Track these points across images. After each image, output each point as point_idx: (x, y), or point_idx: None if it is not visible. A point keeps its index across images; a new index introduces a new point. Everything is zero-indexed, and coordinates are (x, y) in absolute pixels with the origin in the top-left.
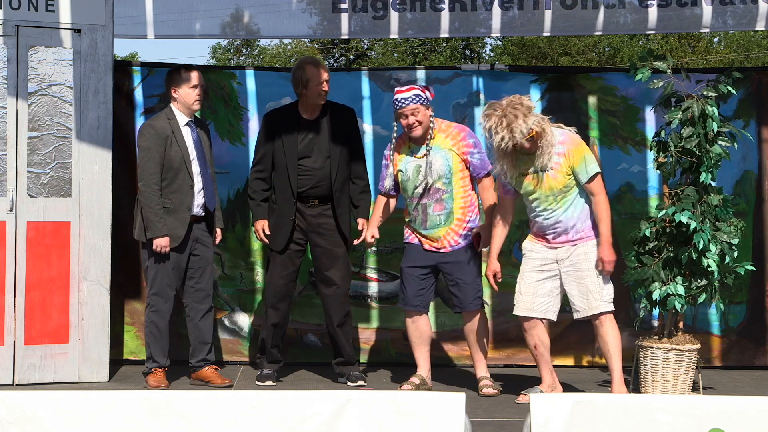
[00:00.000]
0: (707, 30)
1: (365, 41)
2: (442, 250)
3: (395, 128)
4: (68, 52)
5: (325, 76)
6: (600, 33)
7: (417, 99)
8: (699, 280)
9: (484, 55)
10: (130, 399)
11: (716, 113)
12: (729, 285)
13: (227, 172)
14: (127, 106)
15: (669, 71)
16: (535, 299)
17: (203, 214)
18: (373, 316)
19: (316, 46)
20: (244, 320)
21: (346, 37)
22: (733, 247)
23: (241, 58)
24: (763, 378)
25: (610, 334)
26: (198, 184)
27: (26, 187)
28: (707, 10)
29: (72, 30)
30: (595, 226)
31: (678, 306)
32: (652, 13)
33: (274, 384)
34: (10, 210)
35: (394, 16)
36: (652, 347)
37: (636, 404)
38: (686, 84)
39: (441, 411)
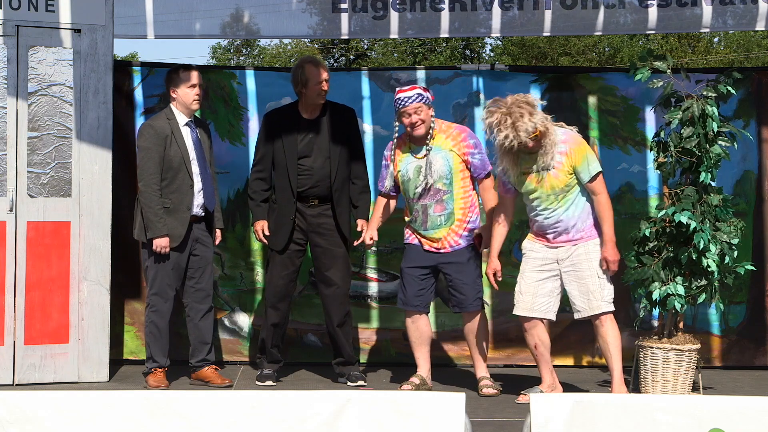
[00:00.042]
0: (707, 30)
1: (365, 41)
2: (442, 251)
3: (396, 128)
4: (68, 52)
5: (324, 75)
6: (600, 33)
7: (419, 98)
8: (699, 280)
9: (484, 55)
10: (130, 399)
11: (716, 113)
12: (729, 285)
13: (227, 172)
14: (127, 106)
15: (669, 71)
16: (535, 299)
17: (203, 214)
18: (373, 316)
19: (316, 46)
20: (244, 320)
21: (346, 37)
22: (733, 247)
23: (241, 58)
24: (763, 378)
25: (611, 334)
26: (198, 184)
27: (26, 187)
28: (707, 10)
29: (72, 30)
30: (595, 226)
31: (678, 306)
32: (652, 13)
33: (274, 384)
34: (10, 210)
35: (394, 16)
36: (652, 347)
37: (636, 404)
38: (686, 84)
39: (441, 411)
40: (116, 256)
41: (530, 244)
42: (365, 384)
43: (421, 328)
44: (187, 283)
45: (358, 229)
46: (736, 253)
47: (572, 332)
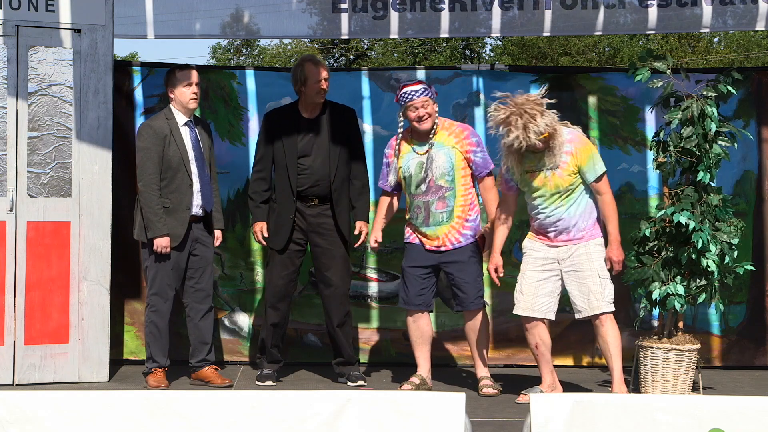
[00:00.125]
0: (707, 30)
1: (365, 41)
2: (442, 249)
3: (401, 123)
4: (68, 52)
5: (324, 74)
6: (600, 33)
7: (426, 92)
8: (699, 280)
9: (484, 55)
10: (130, 399)
11: (715, 113)
12: (729, 285)
13: (227, 172)
14: (127, 106)
15: (669, 71)
16: (536, 299)
17: (202, 214)
18: (373, 316)
19: (316, 46)
20: (244, 320)
21: (346, 37)
22: (733, 247)
23: (241, 58)
24: (763, 378)
25: (611, 334)
26: (196, 184)
27: (26, 187)
28: (707, 10)
29: (72, 30)
30: (597, 226)
31: (678, 306)
32: (652, 13)
33: (274, 384)
34: (10, 210)
35: (394, 16)
36: (652, 347)
37: (636, 404)
38: (686, 84)
39: (441, 411)
40: (116, 256)
41: (531, 243)
42: (365, 384)
43: (422, 327)
44: (187, 283)
45: (356, 232)
46: (736, 253)
47: (572, 332)
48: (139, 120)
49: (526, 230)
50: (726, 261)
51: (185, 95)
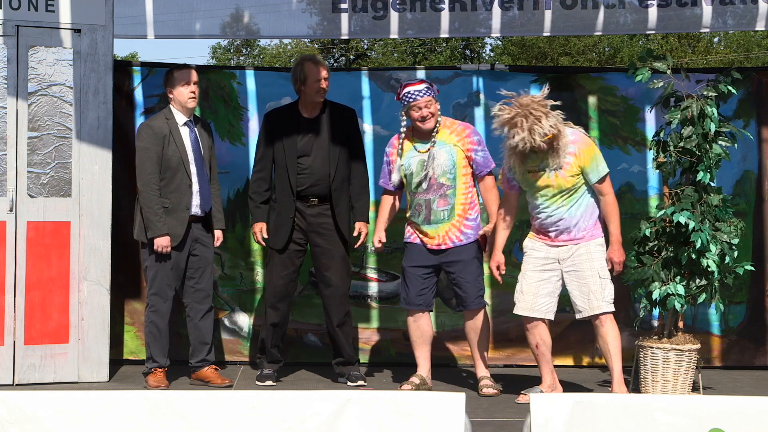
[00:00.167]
0: (707, 30)
1: (365, 41)
2: (443, 247)
3: (404, 122)
4: (68, 52)
5: (323, 73)
6: (600, 33)
7: (429, 91)
8: (699, 280)
9: (484, 55)
10: (130, 399)
11: (715, 113)
12: (729, 285)
13: (227, 172)
14: (127, 106)
15: (669, 71)
16: (536, 299)
17: (202, 214)
18: (373, 316)
19: (316, 46)
20: (244, 320)
21: (346, 37)
22: (733, 247)
23: (241, 58)
24: (763, 378)
25: (611, 334)
26: (196, 184)
27: (26, 187)
28: (707, 10)
29: (72, 30)
30: (598, 226)
31: (678, 306)
32: (652, 13)
33: (274, 384)
34: (10, 210)
35: (394, 16)
36: (652, 347)
37: (636, 404)
38: (686, 84)
39: (441, 411)
40: (116, 256)
41: (531, 243)
42: (365, 384)
43: (423, 327)
44: (187, 283)
45: (355, 234)
46: (736, 253)
47: (572, 332)
48: (139, 120)
49: (526, 230)
50: (726, 261)
51: (184, 95)
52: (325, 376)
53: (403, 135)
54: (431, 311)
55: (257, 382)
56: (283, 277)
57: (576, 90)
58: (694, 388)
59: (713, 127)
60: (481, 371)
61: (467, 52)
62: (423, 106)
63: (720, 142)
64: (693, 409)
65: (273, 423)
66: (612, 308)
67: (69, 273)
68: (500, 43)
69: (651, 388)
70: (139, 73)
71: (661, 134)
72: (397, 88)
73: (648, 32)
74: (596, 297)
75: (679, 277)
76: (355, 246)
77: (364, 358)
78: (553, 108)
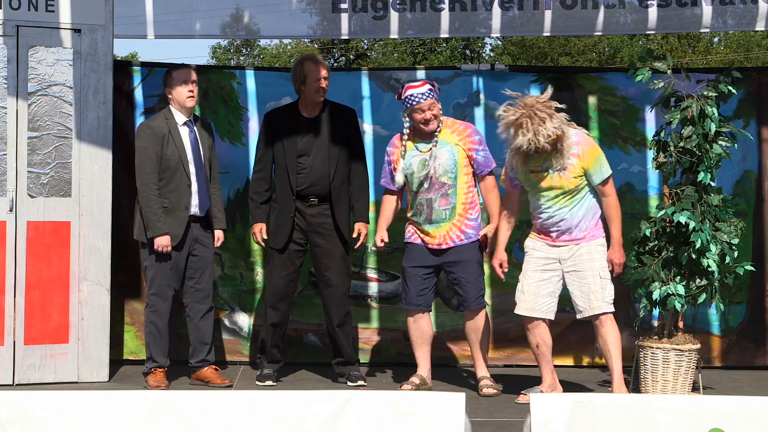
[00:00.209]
0: (707, 30)
1: (365, 41)
2: (444, 246)
3: (407, 123)
4: (68, 52)
5: (323, 72)
6: (600, 33)
7: (432, 93)
8: (699, 280)
9: (484, 55)
10: (130, 399)
11: (715, 113)
12: (729, 285)
13: (227, 172)
14: (127, 106)
15: (669, 71)
16: (537, 299)
17: (201, 214)
18: (373, 316)
19: (316, 46)
20: (244, 320)
21: (346, 37)
22: (733, 247)
23: (241, 58)
24: (763, 378)
25: (611, 334)
26: (195, 184)
27: (26, 187)
28: (707, 10)
29: (72, 30)
30: (599, 226)
31: (678, 306)
32: (652, 13)
33: (274, 384)
34: (10, 210)
35: (394, 16)
36: (652, 347)
37: (636, 404)
38: (686, 84)
39: (441, 411)
40: (116, 256)
41: (533, 243)
42: (365, 384)
43: (423, 327)
44: (187, 283)
45: (354, 234)
46: (736, 253)
47: (572, 332)
48: (139, 120)
49: (527, 230)
50: (726, 261)
51: (182, 94)
52: (325, 376)
53: (405, 136)
54: (430, 311)
55: (257, 382)
56: (283, 277)
57: (576, 90)
58: (694, 388)
59: (713, 127)
60: (481, 371)
61: (467, 52)
62: (426, 109)
63: (720, 142)
64: (693, 409)
65: (273, 423)
66: (612, 308)
67: (69, 273)
68: (500, 43)
69: (651, 388)
70: (139, 73)
71: (662, 134)
72: (397, 88)
73: (648, 32)
74: (597, 297)
75: (679, 277)
76: (355, 247)
77: (364, 358)
78: (558, 109)
